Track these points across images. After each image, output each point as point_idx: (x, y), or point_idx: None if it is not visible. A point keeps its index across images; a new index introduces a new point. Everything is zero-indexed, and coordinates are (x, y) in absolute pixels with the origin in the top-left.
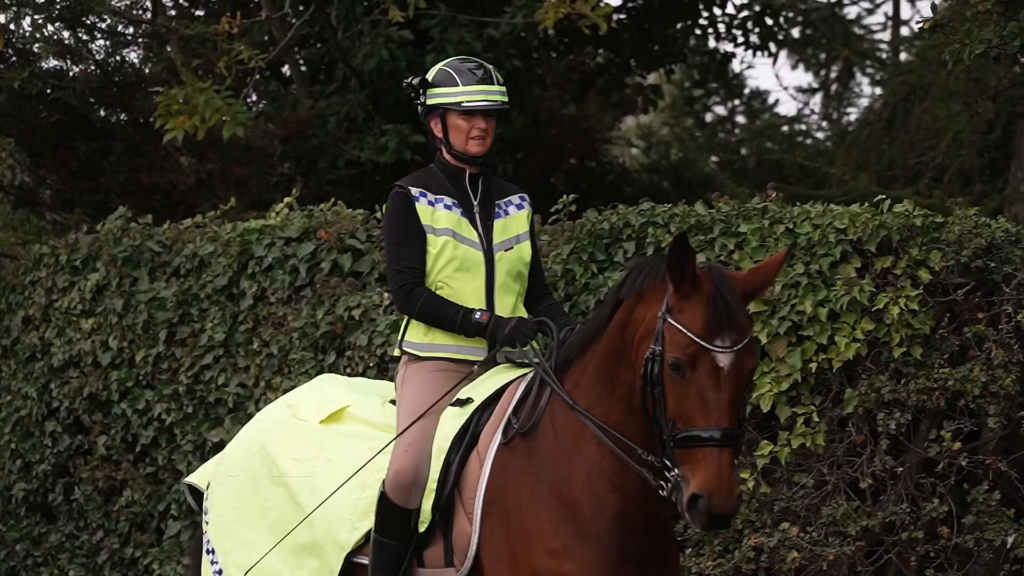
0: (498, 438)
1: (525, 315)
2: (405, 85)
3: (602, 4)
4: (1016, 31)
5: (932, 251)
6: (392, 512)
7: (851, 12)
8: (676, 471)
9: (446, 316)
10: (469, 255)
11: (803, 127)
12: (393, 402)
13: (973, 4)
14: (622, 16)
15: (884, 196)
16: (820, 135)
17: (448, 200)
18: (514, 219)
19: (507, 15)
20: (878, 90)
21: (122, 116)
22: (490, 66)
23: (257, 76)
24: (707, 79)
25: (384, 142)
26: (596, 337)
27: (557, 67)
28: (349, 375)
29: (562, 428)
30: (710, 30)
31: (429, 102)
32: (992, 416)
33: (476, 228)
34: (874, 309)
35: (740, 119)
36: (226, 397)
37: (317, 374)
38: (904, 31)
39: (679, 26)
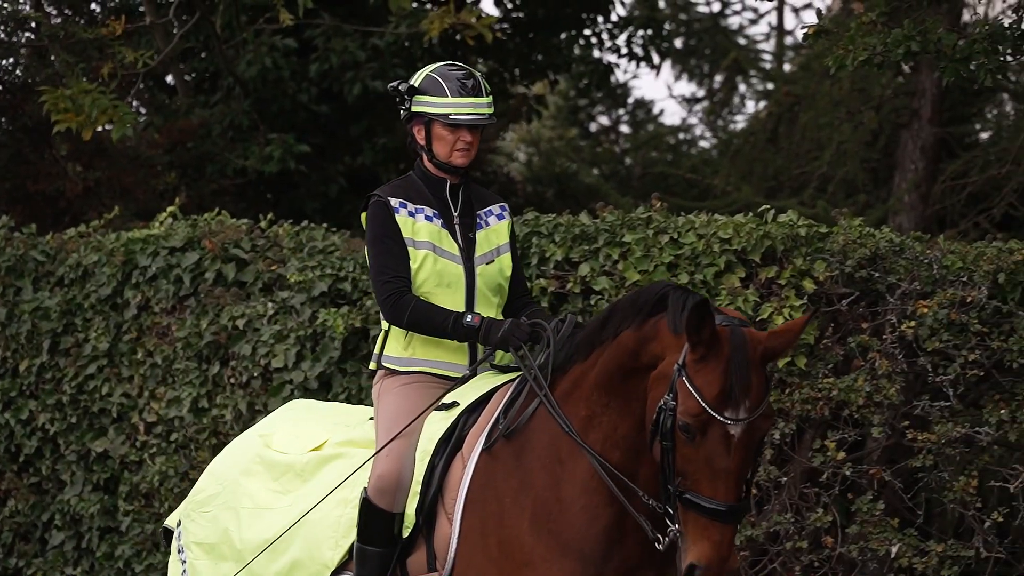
0: (483, 439)
1: None
2: (391, 88)
3: (486, 15)
4: (900, 39)
5: (816, 261)
6: (376, 517)
7: (734, 22)
8: (676, 527)
9: (436, 322)
10: (449, 269)
11: (687, 137)
12: (372, 418)
13: (857, 15)
14: (506, 26)
15: (768, 206)
16: (704, 145)
17: (429, 211)
18: (495, 230)
19: (392, 25)
20: (762, 102)
21: (7, 124)
22: (479, 74)
23: (141, 85)
24: (591, 89)
25: (269, 151)
26: (605, 343)
27: None
28: (232, 385)
29: (559, 435)
30: (594, 40)
31: (415, 109)
32: (876, 426)
33: (456, 240)
34: (759, 319)
35: (624, 129)
36: (110, 407)
37: (201, 384)
38: (788, 41)
39: (563, 36)
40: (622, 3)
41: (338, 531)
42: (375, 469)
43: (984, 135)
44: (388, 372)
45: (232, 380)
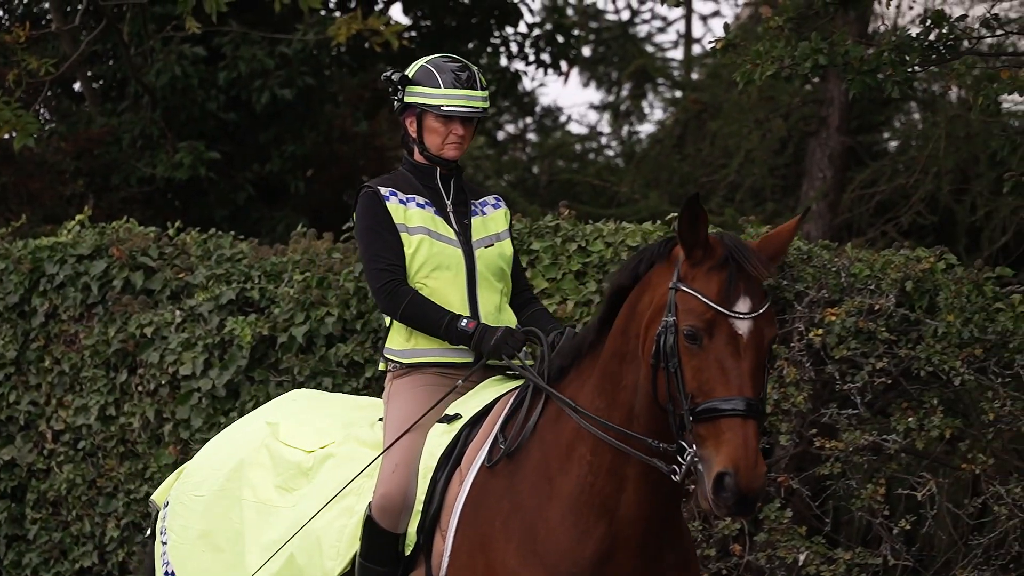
0: (481, 457)
1: (512, 317)
2: (383, 78)
3: (394, 22)
4: (807, 52)
5: None
6: (379, 537)
7: (643, 30)
8: (693, 450)
9: (431, 320)
10: (447, 252)
11: (595, 145)
12: (382, 419)
13: (764, 20)
14: (414, 34)
15: (676, 214)
16: (611, 153)
17: (420, 199)
18: (491, 218)
19: (299, 32)
20: (670, 108)
21: None
22: (475, 67)
23: (48, 93)
24: (499, 97)
25: (179, 159)
26: (595, 345)
27: (349, 84)
28: (140, 393)
29: (552, 443)
30: (502, 49)
31: (407, 99)
32: (784, 434)
33: (451, 225)
34: None
35: (532, 137)
36: (17, 415)
37: (109, 392)
38: (696, 49)
39: (471, 45)
40: (530, 11)
41: (341, 540)
42: (379, 487)
43: (892, 144)
44: (397, 372)
45: (140, 388)
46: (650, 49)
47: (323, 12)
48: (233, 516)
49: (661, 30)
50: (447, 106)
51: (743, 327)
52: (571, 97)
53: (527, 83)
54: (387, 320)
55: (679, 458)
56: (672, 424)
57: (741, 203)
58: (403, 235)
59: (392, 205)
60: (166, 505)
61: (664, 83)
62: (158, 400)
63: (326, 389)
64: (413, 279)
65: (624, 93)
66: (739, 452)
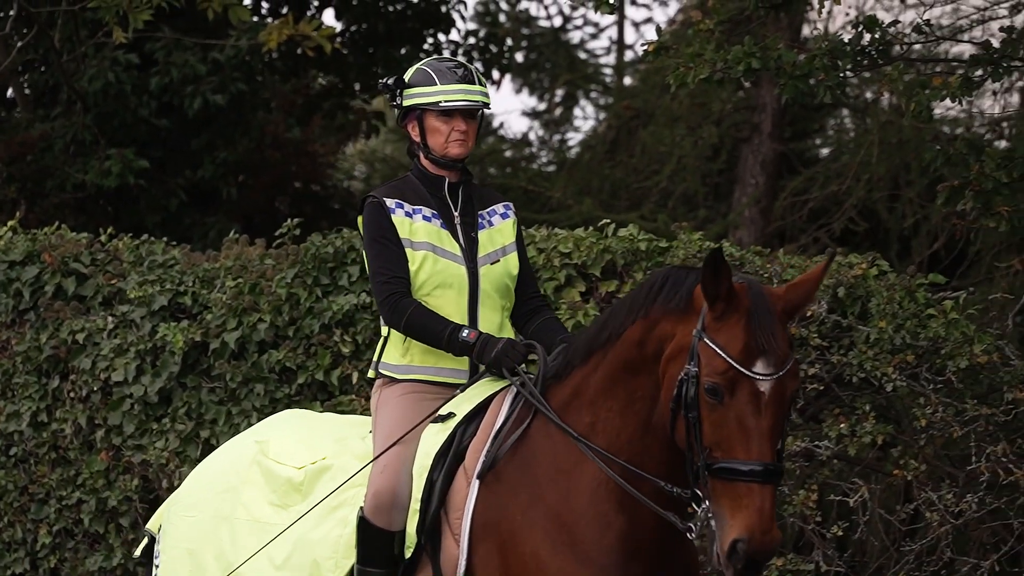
0: (484, 456)
1: (511, 333)
2: (380, 85)
3: (326, 26)
4: (740, 56)
5: None
6: (374, 537)
7: (575, 37)
8: (707, 505)
9: (433, 331)
10: (450, 270)
11: (527, 152)
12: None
13: (696, 23)
14: (346, 40)
15: (609, 220)
16: (544, 159)
17: (427, 211)
18: (499, 230)
19: (232, 38)
20: (602, 114)
21: None
22: (471, 66)
23: None
24: None
25: (108, 166)
26: (606, 345)
27: (282, 90)
28: (72, 399)
29: (560, 441)
30: (435, 55)
31: (406, 103)
32: None
33: (458, 240)
34: None
35: None
36: None
37: (40, 398)
38: (628, 55)
39: (403, 51)
40: (463, 18)
41: (338, 551)
42: (371, 486)
43: (824, 151)
44: (387, 381)
45: (72, 394)
46: (583, 56)
47: (255, 18)
48: (223, 535)
49: (594, 36)
50: (446, 101)
51: (765, 386)
52: (503, 103)
53: None
54: (383, 330)
55: (694, 506)
56: (688, 470)
57: (673, 209)
58: (407, 250)
59: (398, 219)
60: (159, 530)
61: (597, 89)
62: (90, 406)
63: (258, 395)
64: (416, 295)
65: (556, 99)
66: (754, 520)
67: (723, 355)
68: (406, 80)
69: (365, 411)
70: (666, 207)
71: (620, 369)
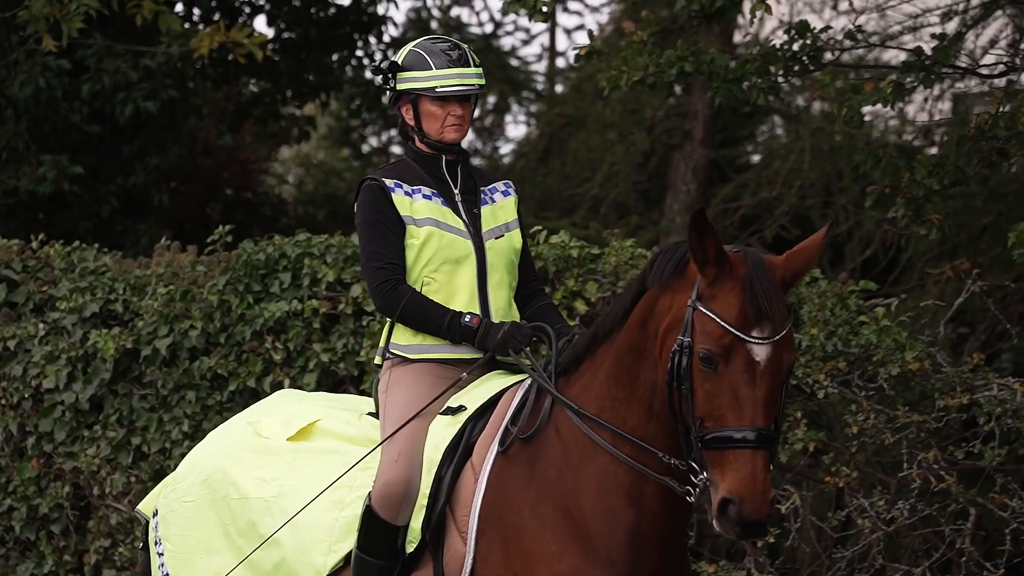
0: (495, 448)
1: (517, 313)
2: (373, 69)
3: (258, 33)
4: (673, 59)
5: (588, 282)
6: (378, 528)
7: (507, 43)
8: (705, 475)
9: (432, 319)
10: (457, 244)
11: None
12: (371, 414)
13: (628, 35)
14: (278, 47)
15: (540, 228)
16: (477, 166)
17: (426, 190)
18: (501, 206)
19: (163, 45)
20: (534, 121)
21: None
22: (464, 45)
23: None
24: (363, 110)
25: (42, 172)
26: (612, 334)
27: (213, 97)
28: (3, 406)
29: (569, 436)
30: (366, 61)
31: (399, 87)
32: None
33: (460, 216)
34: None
35: (396, 150)
36: None
37: None
38: (560, 63)
39: (335, 56)
40: (394, 24)
41: (332, 535)
42: (381, 475)
43: (756, 157)
44: (397, 361)
45: (3, 401)
46: (514, 62)
47: (186, 25)
48: (224, 517)
49: (525, 43)
50: (442, 87)
51: (761, 352)
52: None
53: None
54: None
55: (692, 478)
56: (683, 443)
57: (605, 216)
58: (410, 227)
59: (397, 198)
60: (155, 515)
61: (528, 96)
62: (21, 413)
63: (189, 402)
64: (421, 273)
65: (488, 107)
66: (745, 483)
67: (717, 320)
68: (399, 63)
69: None
70: (598, 214)
71: (625, 354)
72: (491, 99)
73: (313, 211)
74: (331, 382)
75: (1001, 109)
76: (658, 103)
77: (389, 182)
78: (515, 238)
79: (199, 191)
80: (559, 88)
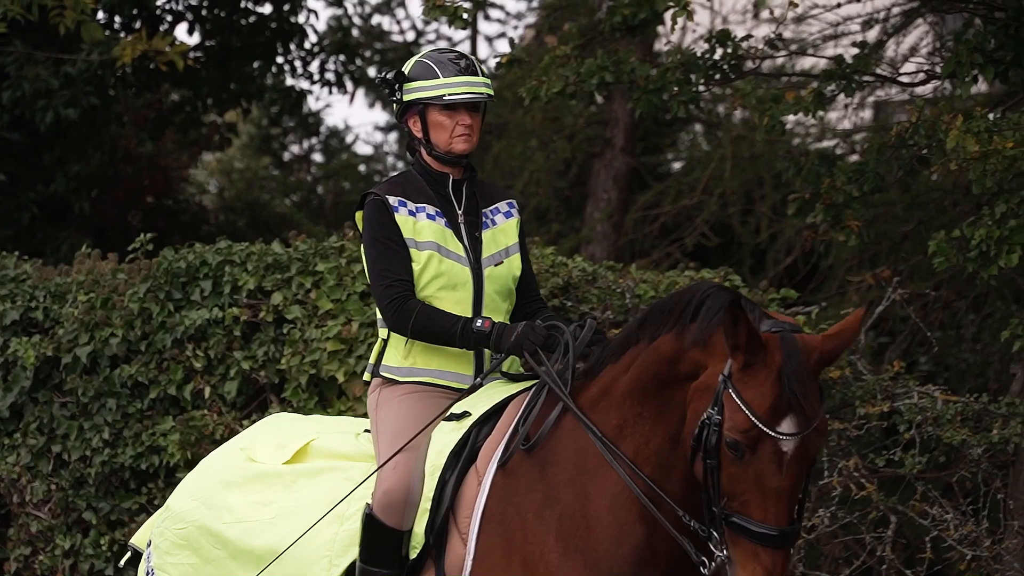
0: (499, 454)
1: None
2: (379, 80)
3: (180, 42)
4: (593, 69)
5: None
6: (382, 535)
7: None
8: (724, 554)
9: (444, 328)
10: (455, 271)
11: (381, 166)
12: (368, 431)
13: (551, 48)
14: (199, 55)
15: None
16: (396, 173)
17: (431, 209)
18: (502, 229)
19: (84, 52)
20: None
21: None
22: (472, 56)
23: None
24: (284, 118)
25: None
26: (640, 344)
27: (134, 105)
28: None
29: (587, 440)
30: (287, 68)
31: (406, 97)
32: None
33: (462, 240)
34: None
35: (317, 158)
36: None
37: None
38: None
39: (256, 64)
40: (315, 31)
41: (333, 550)
42: (380, 484)
43: (677, 165)
44: (386, 382)
45: None
46: None
47: (107, 32)
48: (216, 542)
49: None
50: (450, 95)
51: (789, 445)
52: (357, 118)
53: (313, 103)
54: (382, 332)
55: (711, 546)
56: (705, 510)
57: (526, 224)
58: (412, 250)
59: (401, 217)
60: (149, 545)
61: None
62: None
63: (110, 410)
64: (419, 296)
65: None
66: None
67: (747, 412)
68: (405, 73)
69: (217, 425)
70: None
71: (650, 378)
72: None
73: (234, 219)
74: (251, 390)
75: (921, 117)
76: (579, 111)
77: (393, 199)
78: (514, 264)
79: (120, 199)
80: None
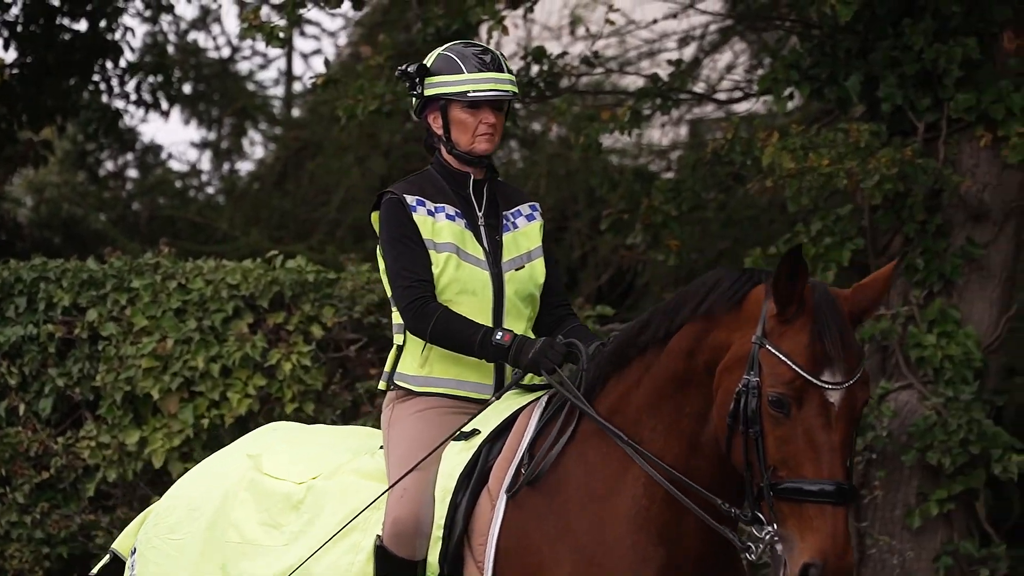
0: (509, 478)
1: None
2: (399, 73)
3: None
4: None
5: (325, 307)
6: (395, 568)
7: (244, 67)
8: (772, 528)
9: (463, 336)
10: (474, 275)
11: (196, 183)
12: (383, 447)
13: (365, 59)
14: (15, 71)
15: (277, 252)
16: (212, 191)
17: (450, 209)
18: (524, 232)
19: None
20: (271, 145)
21: None
22: (498, 52)
23: None
24: (99, 134)
25: None
26: (646, 352)
27: None
28: None
29: (596, 464)
30: (103, 86)
31: (428, 92)
32: None
33: (482, 243)
34: (267, 365)
35: (132, 174)
36: None
37: None
38: (297, 87)
39: (72, 81)
40: (131, 48)
41: None
42: (389, 513)
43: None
44: (401, 395)
45: None
46: (251, 87)
47: None
48: (218, 560)
49: (262, 67)
50: (475, 91)
51: (836, 396)
52: (172, 134)
53: (128, 120)
54: (397, 339)
55: (754, 531)
56: (748, 492)
57: (342, 240)
58: (430, 252)
59: (419, 217)
60: (133, 552)
61: (265, 120)
62: None
63: None
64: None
65: (225, 130)
66: (827, 543)
67: (789, 363)
68: (428, 66)
69: (31, 441)
70: (334, 238)
71: (667, 383)
72: (228, 122)
73: (49, 235)
74: (67, 407)
75: (737, 134)
76: (395, 127)
77: (411, 199)
78: (537, 269)
79: None
80: (296, 112)
